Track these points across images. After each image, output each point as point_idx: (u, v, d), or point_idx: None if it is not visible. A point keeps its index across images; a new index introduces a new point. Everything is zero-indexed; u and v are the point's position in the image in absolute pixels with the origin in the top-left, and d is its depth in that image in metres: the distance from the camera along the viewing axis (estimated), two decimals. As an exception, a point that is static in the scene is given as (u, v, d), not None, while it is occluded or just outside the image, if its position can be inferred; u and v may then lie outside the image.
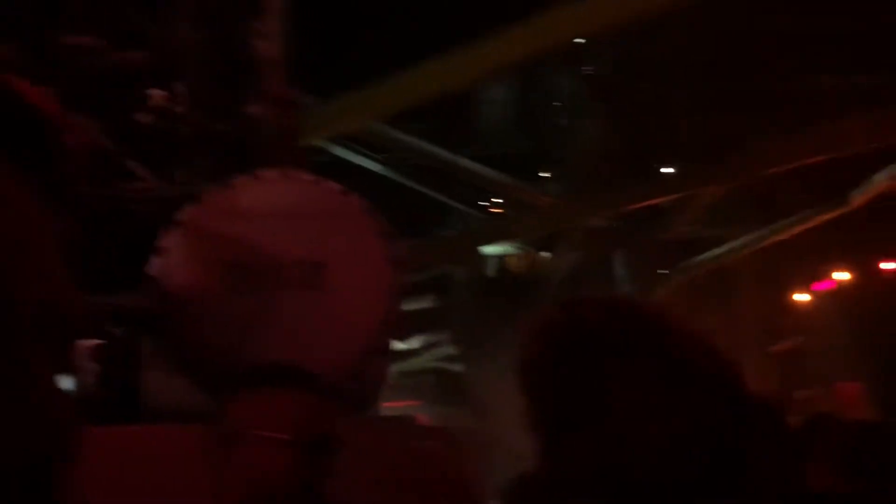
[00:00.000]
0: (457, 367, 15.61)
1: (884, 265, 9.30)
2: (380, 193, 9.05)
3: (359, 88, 4.63)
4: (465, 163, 8.61)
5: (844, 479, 2.51)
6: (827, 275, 9.71)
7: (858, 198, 9.08)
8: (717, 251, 10.42)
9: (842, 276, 9.55)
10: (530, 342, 0.90)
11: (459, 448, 1.61)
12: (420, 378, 17.13)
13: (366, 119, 5.23)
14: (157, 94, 1.80)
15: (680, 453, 0.80)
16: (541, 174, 9.59)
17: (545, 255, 10.59)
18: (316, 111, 5.05)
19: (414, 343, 14.21)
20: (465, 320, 14.28)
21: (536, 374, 0.89)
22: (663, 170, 7.74)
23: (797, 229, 9.72)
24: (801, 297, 10.12)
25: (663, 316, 0.90)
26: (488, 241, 9.06)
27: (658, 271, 11.02)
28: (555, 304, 0.92)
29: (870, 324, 9.01)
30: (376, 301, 1.57)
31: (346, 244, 1.64)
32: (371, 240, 1.64)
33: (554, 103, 9.06)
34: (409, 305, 12.48)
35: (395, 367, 15.24)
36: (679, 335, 0.87)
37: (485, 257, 12.01)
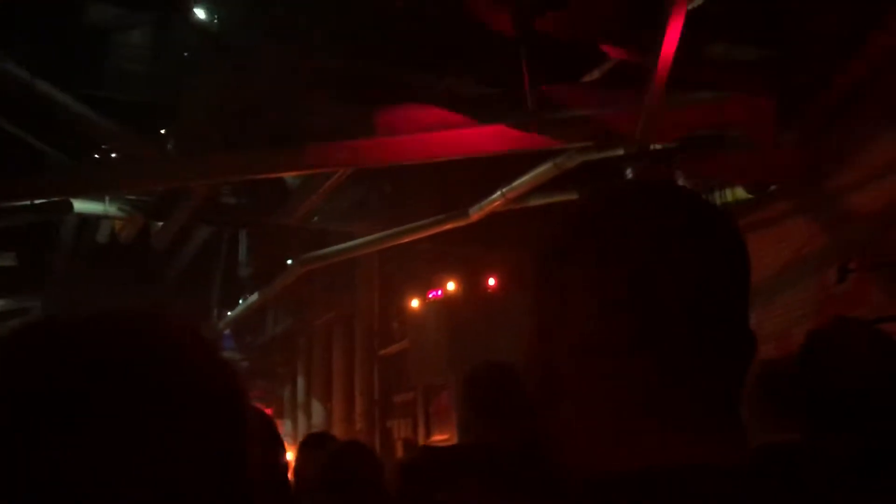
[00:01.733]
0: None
1: (489, 280, 9.72)
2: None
3: None
4: (64, 99, 7.28)
5: (324, 492, 2.49)
6: (441, 284, 9.93)
7: (476, 213, 9.40)
8: (341, 246, 10.18)
9: (451, 286, 9.81)
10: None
11: None
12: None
13: None
14: None
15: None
16: (163, 130, 8.54)
17: (158, 224, 9.49)
18: None
19: (-11, 307, 12.05)
20: (61, 288, 12.51)
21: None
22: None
23: (420, 235, 9.83)
24: (415, 304, 10.25)
25: (159, 335, 0.69)
26: (75, 193, 7.68)
27: (281, 258, 10.52)
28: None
29: (467, 334, 9.33)
30: None
31: None
32: None
33: (184, 54, 8.10)
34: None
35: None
36: (177, 356, 0.68)
37: (94, 219, 10.59)
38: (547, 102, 6.67)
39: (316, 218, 10.20)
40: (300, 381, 13.33)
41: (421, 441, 9.82)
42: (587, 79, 7.61)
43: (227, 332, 16.54)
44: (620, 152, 7.69)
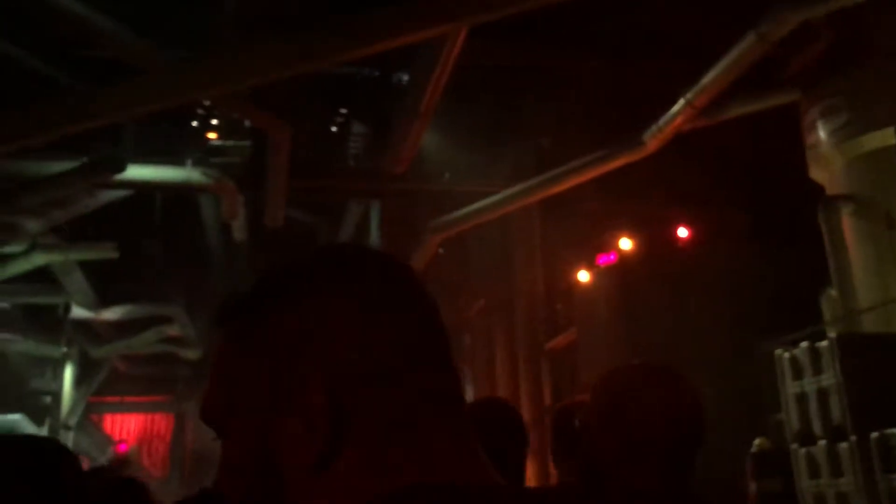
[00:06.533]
0: (191, 355, 12.48)
1: (680, 231, 7.05)
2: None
3: None
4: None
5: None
6: (613, 245, 7.36)
7: (653, 137, 6.82)
8: (479, 204, 7.93)
9: (627, 245, 7.21)
10: None
11: None
12: (152, 368, 13.83)
13: None
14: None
15: None
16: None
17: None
18: None
19: (117, 313, 10.93)
20: (206, 290, 11.30)
21: None
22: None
23: (581, 177, 7.42)
24: (583, 277, 7.72)
25: None
26: (98, 116, 5.81)
27: (413, 228, 8.51)
28: None
29: (649, 308, 6.67)
30: None
31: None
32: None
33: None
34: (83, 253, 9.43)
35: (117, 344, 11.85)
36: None
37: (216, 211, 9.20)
38: None
39: (447, 174, 8.10)
40: (468, 390, 11.21)
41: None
42: None
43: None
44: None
